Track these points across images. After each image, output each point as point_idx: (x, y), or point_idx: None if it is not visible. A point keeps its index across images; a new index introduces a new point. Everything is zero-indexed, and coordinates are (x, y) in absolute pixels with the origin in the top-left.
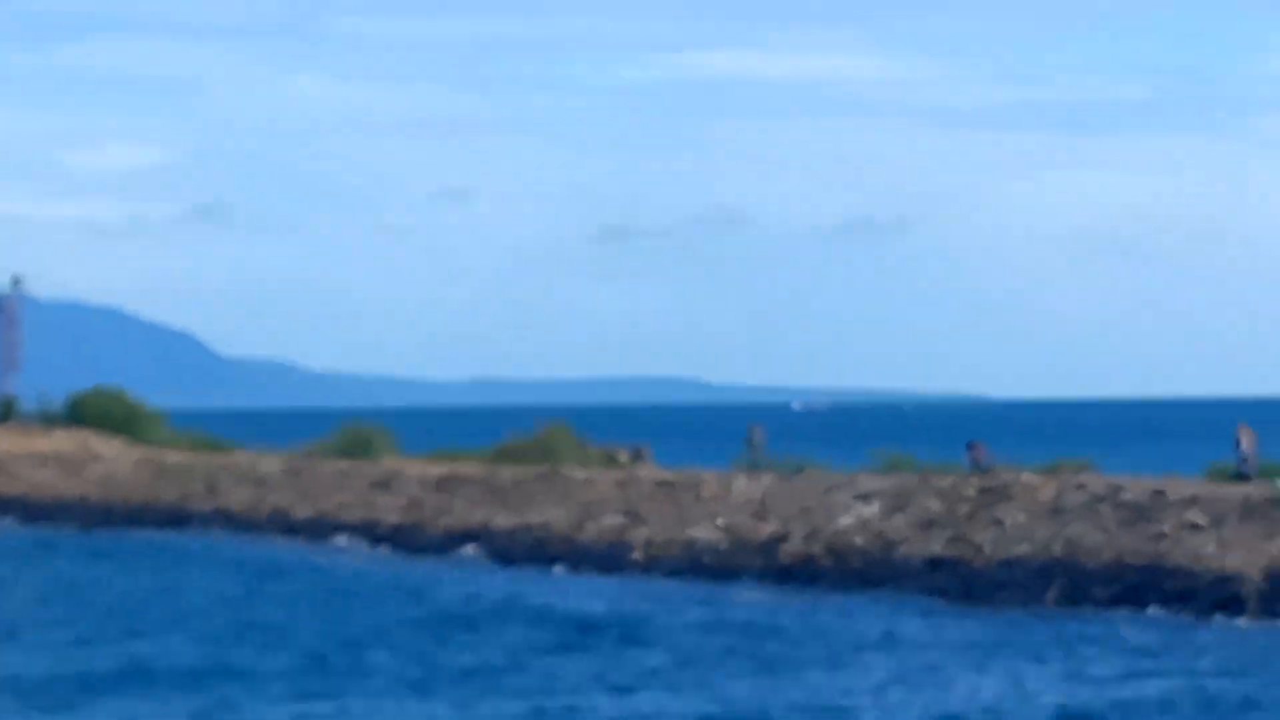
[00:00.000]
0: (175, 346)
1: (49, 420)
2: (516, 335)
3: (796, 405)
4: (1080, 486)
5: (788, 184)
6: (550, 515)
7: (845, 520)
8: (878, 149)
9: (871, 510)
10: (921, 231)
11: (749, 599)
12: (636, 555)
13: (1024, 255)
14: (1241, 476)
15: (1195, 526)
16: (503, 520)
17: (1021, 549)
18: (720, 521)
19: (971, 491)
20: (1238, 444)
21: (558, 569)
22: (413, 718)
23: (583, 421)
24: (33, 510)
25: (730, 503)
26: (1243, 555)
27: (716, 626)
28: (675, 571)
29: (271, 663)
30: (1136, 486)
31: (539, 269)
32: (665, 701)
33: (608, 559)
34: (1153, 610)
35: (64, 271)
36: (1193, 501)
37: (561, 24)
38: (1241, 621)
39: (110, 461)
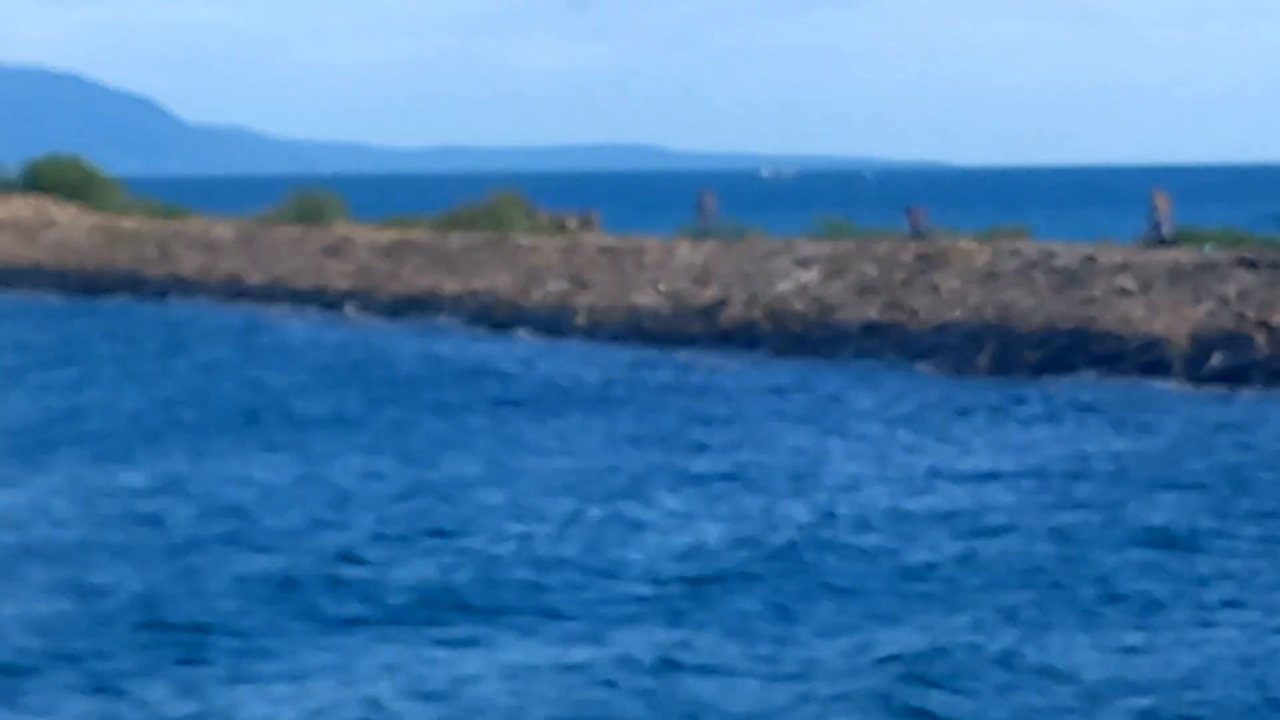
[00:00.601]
0: (136, 113)
1: (6, 187)
2: (479, 101)
3: (765, 172)
4: (1015, 252)
5: None
6: (497, 281)
7: (784, 286)
8: None
9: (810, 276)
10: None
11: (691, 361)
12: (580, 320)
13: (990, 22)
14: (1160, 242)
15: (1125, 291)
16: (450, 286)
17: (955, 314)
18: (662, 287)
19: (908, 257)
20: (1152, 210)
21: (503, 333)
22: (387, 467)
23: (540, 188)
24: None
25: (673, 269)
26: (1170, 319)
27: (665, 389)
28: (617, 337)
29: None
30: (1069, 252)
31: (502, 31)
32: (617, 459)
33: (552, 324)
34: (1082, 374)
35: (22, 35)
36: (1124, 267)
37: None
38: (1168, 384)
39: (65, 228)
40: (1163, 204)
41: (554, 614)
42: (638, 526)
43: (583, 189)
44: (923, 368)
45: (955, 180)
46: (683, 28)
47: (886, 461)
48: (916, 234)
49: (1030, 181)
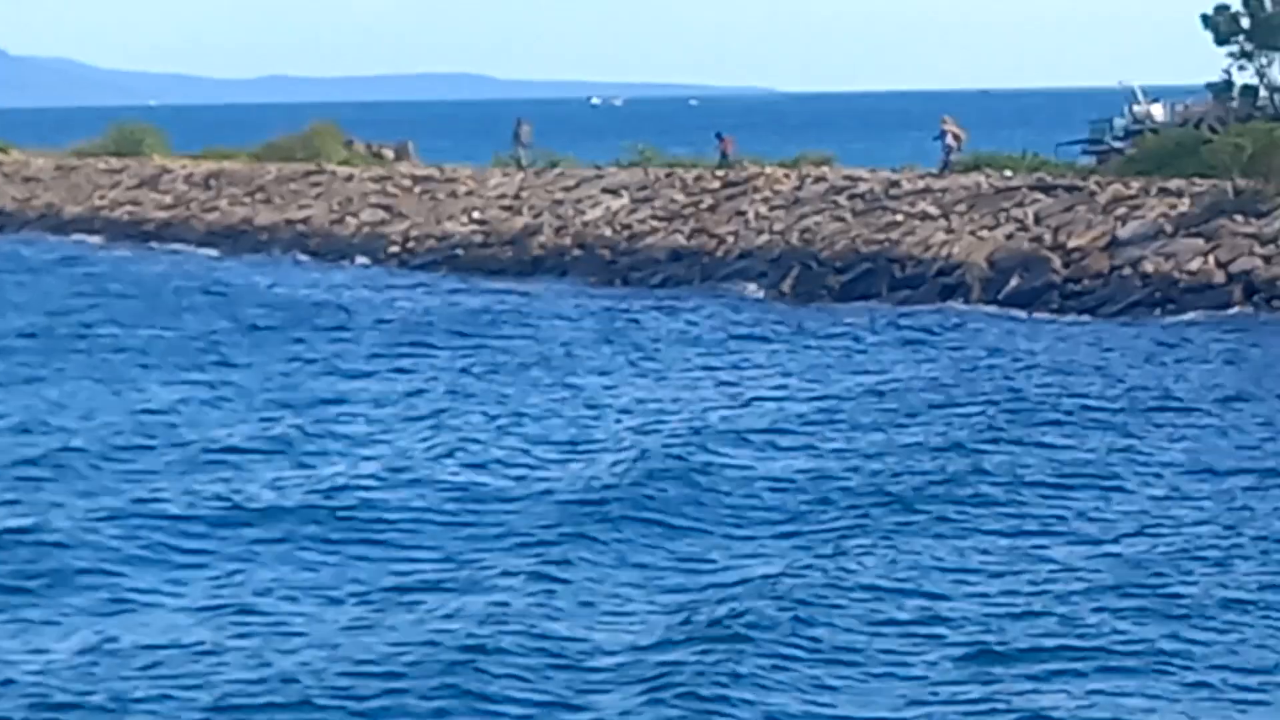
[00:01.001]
0: None
1: None
2: (308, 30)
3: (595, 100)
4: (819, 179)
5: None
6: (312, 211)
7: (594, 213)
8: None
9: (620, 203)
10: None
11: (499, 288)
12: (394, 249)
13: None
14: (946, 167)
15: (927, 216)
16: (267, 216)
17: (761, 240)
18: (474, 215)
19: (716, 185)
20: (942, 135)
21: (320, 261)
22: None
23: (367, 117)
24: None
25: (485, 197)
26: (969, 243)
27: (471, 314)
28: (430, 264)
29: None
30: (873, 178)
31: None
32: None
33: (366, 252)
34: (885, 297)
35: None
36: (925, 192)
37: None
38: (965, 305)
39: None
40: (952, 129)
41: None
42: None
43: (409, 118)
44: (728, 292)
45: (781, 106)
46: None
47: (684, 386)
48: (724, 162)
49: (854, 106)
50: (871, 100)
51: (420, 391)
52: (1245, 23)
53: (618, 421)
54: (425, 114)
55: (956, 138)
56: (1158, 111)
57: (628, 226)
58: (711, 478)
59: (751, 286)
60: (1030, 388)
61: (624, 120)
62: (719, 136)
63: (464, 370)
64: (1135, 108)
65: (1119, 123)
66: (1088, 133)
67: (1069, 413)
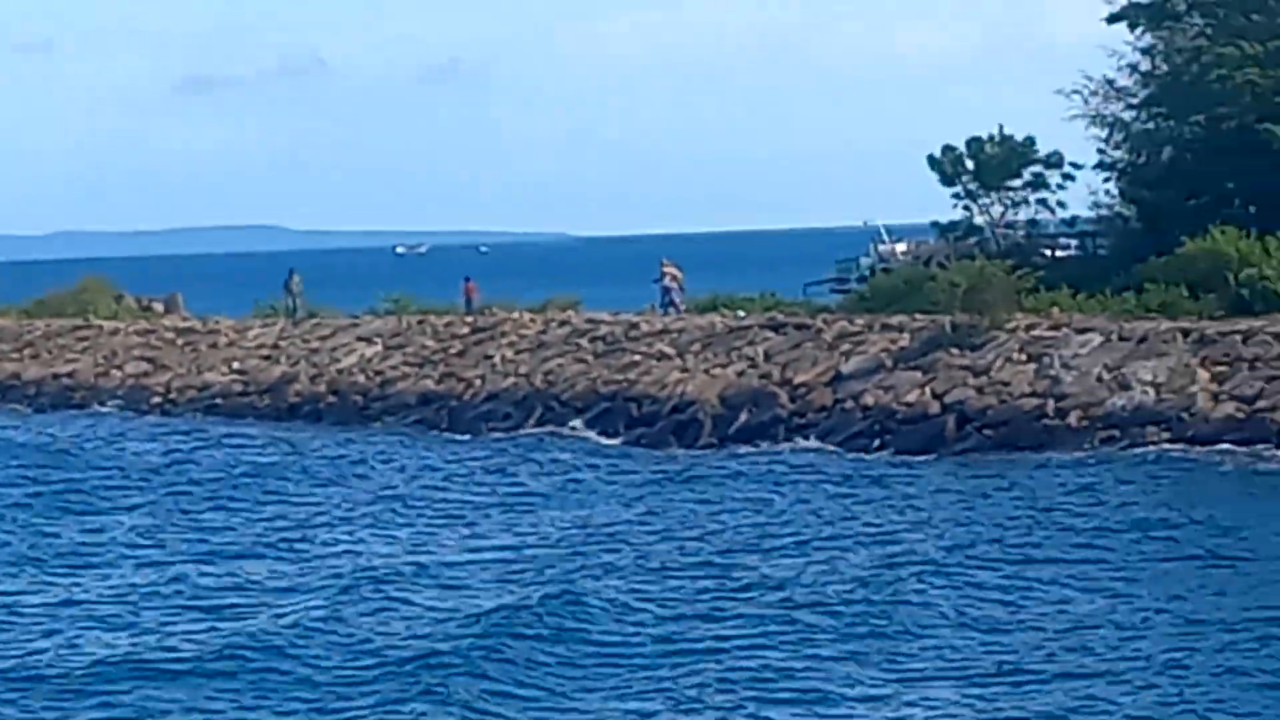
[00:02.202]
0: None
1: None
2: (101, 187)
3: (400, 249)
4: (564, 323)
5: (366, 27)
6: (78, 365)
7: (348, 360)
8: None
9: (373, 350)
10: (511, 73)
11: (252, 435)
12: (156, 399)
13: (619, 92)
14: (668, 308)
15: (664, 356)
16: (34, 371)
17: (507, 382)
18: (234, 365)
19: (465, 330)
20: (661, 277)
21: (85, 414)
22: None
23: (157, 271)
24: None
25: (245, 347)
26: (702, 380)
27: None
28: (190, 413)
29: None
30: (615, 321)
31: (123, 120)
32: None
33: (129, 404)
34: (622, 435)
35: None
36: (664, 333)
37: None
38: (699, 442)
39: None
40: (671, 271)
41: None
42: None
43: (200, 270)
44: (476, 432)
45: (574, 250)
46: (310, 110)
47: (387, 522)
48: (469, 307)
49: (642, 250)
50: (657, 243)
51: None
52: (969, 164)
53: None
54: (218, 266)
55: (675, 279)
56: (901, 250)
57: (380, 372)
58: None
59: (499, 424)
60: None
61: (424, 267)
62: (466, 280)
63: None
64: (880, 246)
65: (865, 261)
66: (835, 271)
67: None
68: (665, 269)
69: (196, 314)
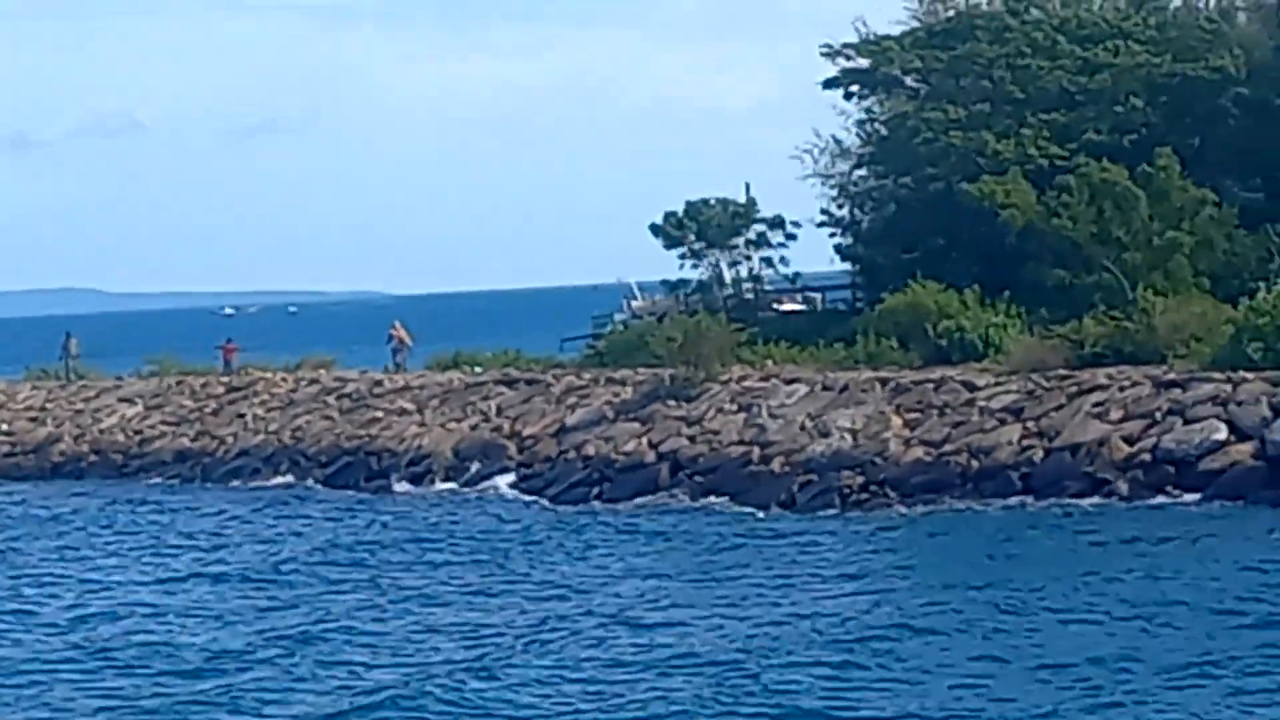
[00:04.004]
0: None
1: None
2: None
3: (228, 310)
4: (314, 381)
5: (180, 86)
6: None
7: (110, 421)
8: (268, 47)
9: (134, 410)
10: (324, 130)
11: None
12: None
13: (429, 146)
14: (396, 367)
15: (405, 411)
16: None
17: (257, 439)
18: (4, 427)
19: (221, 390)
20: (390, 339)
21: None
22: None
23: None
24: None
25: (13, 409)
26: (438, 434)
27: None
28: None
29: None
30: (361, 379)
31: None
32: None
33: None
34: (362, 486)
35: None
36: (406, 389)
37: None
38: (432, 489)
39: None
40: (399, 334)
41: None
42: None
43: (9, 332)
44: (233, 487)
45: (380, 309)
46: (124, 169)
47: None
48: (228, 368)
49: (447, 306)
50: (469, 299)
51: None
52: (692, 226)
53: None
54: (28, 329)
55: (402, 341)
56: (639, 306)
57: (139, 431)
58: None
59: (246, 479)
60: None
61: (252, 327)
62: (228, 342)
63: None
64: (633, 303)
65: (618, 317)
66: (592, 327)
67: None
68: (394, 332)
69: None
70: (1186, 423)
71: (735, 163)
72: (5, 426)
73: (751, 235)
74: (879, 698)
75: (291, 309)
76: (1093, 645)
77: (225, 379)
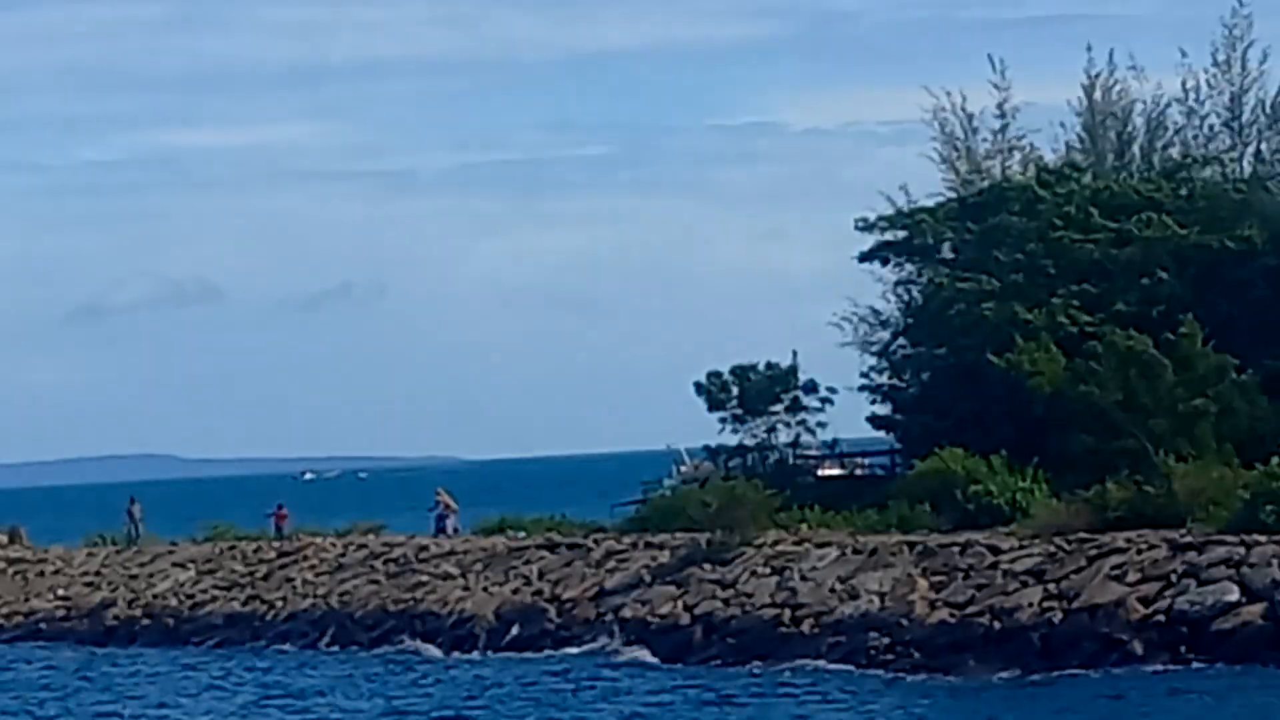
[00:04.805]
0: None
1: None
2: None
3: (308, 475)
4: (361, 546)
5: (256, 257)
6: None
7: (163, 585)
8: (341, 218)
9: (187, 575)
10: (394, 298)
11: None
12: None
13: (495, 316)
14: (440, 532)
15: (449, 576)
16: None
17: (306, 603)
18: (59, 592)
19: (272, 554)
20: (436, 505)
21: None
22: None
23: (46, 500)
24: None
25: (70, 575)
26: (481, 598)
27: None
28: (18, 638)
29: None
30: (408, 544)
31: (8, 353)
32: None
33: None
34: (409, 644)
35: None
36: (450, 554)
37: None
38: (475, 654)
39: None
40: (446, 500)
41: None
42: None
43: (80, 500)
44: (278, 649)
45: (456, 475)
46: (202, 338)
47: None
48: (279, 533)
49: (524, 470)
50: (540, 464)
51: None
52: (734, 390)
53: None
54: (107, 496)
55: (448, 506)
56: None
57: (191, 596)
58: None
59: (296, 642)
60: None
61: (322, 492)
62: (279, 508)
63: None
64: (682, 468)
65: (668, 483)
66: (641, 493)
67: None
68: (439, 498)
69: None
70: (1201, 584)
71: (786, 329)
72: (61, 591)
73: (788, 401)
74: None
75: (361, 475)
76: None
77: (276, 544)
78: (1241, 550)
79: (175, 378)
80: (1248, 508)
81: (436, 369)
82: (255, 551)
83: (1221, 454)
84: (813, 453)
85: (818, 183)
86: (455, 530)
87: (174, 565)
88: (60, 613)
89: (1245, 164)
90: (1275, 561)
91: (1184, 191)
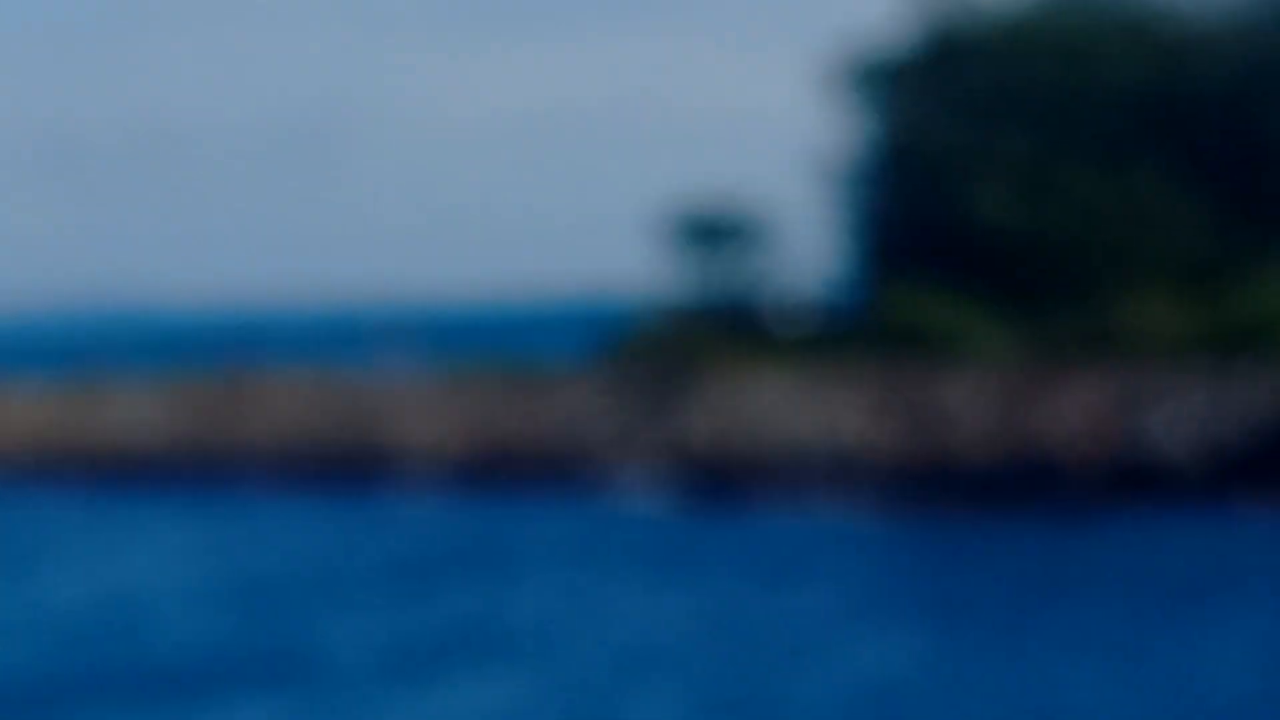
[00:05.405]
0: None
1: None
2: None
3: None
4: (316, 384)
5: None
6: None
7: (104, 423)
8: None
9: (129, 412)
10: (358, 132)
11: None
12: None
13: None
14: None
15: (409, 412)
16: None
17: (262, 442)
18: None
19: (220, 392)
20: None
21: None
22: None
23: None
24: None
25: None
26: (440, 434)
27: None
28: None
29: None
30: (366, 381)
31: None
32: None
33: None
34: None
35: None
36: (410, 391)
37: None
38: (433, 494)
39: None
40: (403, 344)
41: None
42: None
43: None
44: (231, 491)
45: (418, 318)
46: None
47: None
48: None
49: None
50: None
51: None
52: (696, 233)
53: None
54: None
55: (407, 350)
56: None
57: (133, 434)
58: None
59: None
60: None
61: None
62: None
63: None
64: (646, 308)
65: (635, 323)
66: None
67: None
68: (396, 340)
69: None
70: (1151, 421)
71: (745, 169)
72: None
73: (747, 242)
74: None
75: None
76: None
77: (224, 382)
78: (1192, 385)
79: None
80: (1198, 341)
81: (401, 201)
82: (202, 389)
83: (1173, 288)
84: (771, 293)
85: (779, 19)
86: (417, 371)
87: (119, 402)
88: None
89: None
90: (1223, 396)
91: (1135, 28)
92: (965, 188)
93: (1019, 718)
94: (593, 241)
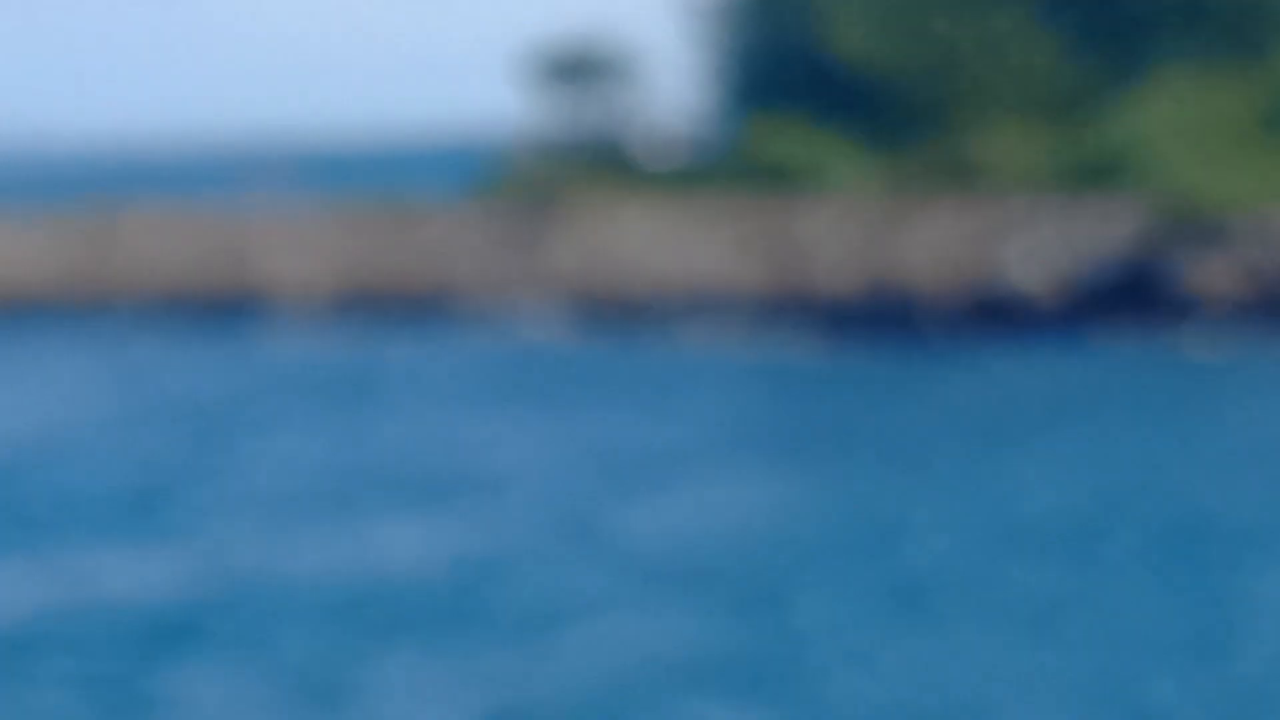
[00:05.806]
0: None
1: None
2: None
3: None
4: (186, 222)
5: None
6: None
7: None
8: None
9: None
10: None
11: None
12: None
13: None
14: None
15: (282, 249)
16: None
17: (129, 282)
18: None
19: (89, 230)
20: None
21: None
22: None
23: None
24: None
25: None
26: (313, 271)
27: None
28: None
29: None
30: (237, 218)
31: None
32: None
33: None
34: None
35: None
36: (283, 228)
37: None
38: (304, 333)
39: None
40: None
41: None
42: None
43: None
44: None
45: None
46: None
47: None
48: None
49: None
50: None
51: None
52: (559, 68)
53: None
54: None
55: (280, 187)
56: None
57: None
58: None
59: None
60: None
61: None
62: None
63: None
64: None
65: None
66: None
67: None
68: (269, 178)
69: None
70: (1006, 254)
71: (618, 3)
72: None
73: (615, 78)
74: None
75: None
76: None
77: (93, 220)
78: (1048, 217)
79: None
80: (1055, 174)
81: (272, 41)
82: (76, 226)
83: (1031, 121)
84: (641, 133)
85: None
86: (290, 207)
87: None
88: None
89: None
90: (1078, 228)
91: None
92: (827, 23)
93: (824, 540)
94: (464, 80)
